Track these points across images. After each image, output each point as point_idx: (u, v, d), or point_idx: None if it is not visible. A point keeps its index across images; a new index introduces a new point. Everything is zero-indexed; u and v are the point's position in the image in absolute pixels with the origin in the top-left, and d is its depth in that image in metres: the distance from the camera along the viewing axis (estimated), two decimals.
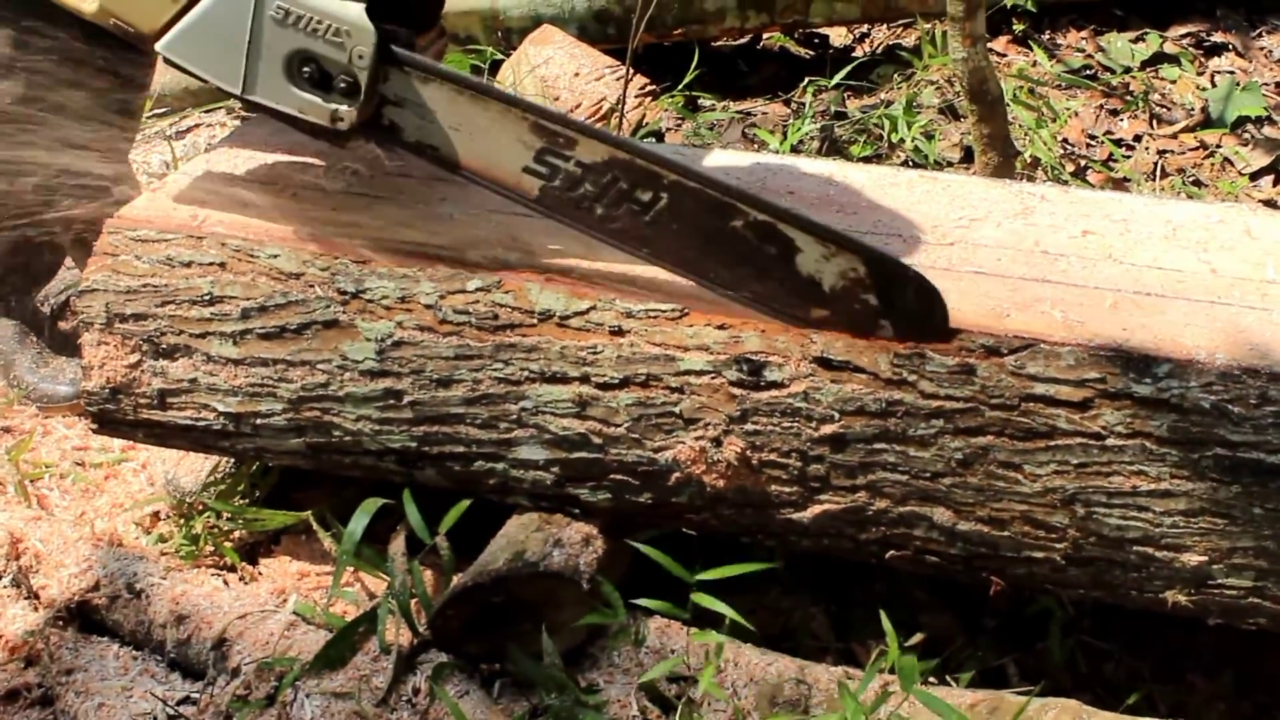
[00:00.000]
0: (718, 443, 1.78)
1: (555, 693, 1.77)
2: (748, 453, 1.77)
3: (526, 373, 1.82)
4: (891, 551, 1.80)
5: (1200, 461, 1.64)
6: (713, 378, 1.76)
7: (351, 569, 2.02)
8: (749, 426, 1.76)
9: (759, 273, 1.74)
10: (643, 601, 1.82)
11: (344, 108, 1.78)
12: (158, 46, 1.79)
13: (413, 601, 1.88)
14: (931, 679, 1.86)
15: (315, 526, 2.15)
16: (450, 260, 1.86)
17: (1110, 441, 1.66)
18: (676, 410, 1.78)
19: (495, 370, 1.83)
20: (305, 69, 1.77)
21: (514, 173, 1.80)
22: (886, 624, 1.81)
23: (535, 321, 1.82)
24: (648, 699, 1.79)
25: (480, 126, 1.79)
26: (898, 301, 1.70)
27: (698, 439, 1.79)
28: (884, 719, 1.69)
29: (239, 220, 1.94)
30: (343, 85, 1.77)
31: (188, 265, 1.91)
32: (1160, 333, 1.68)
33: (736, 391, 1.76)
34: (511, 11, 3.27)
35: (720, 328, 1.76)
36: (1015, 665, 1.90)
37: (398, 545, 1.91)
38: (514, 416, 1.85)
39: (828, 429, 1.74)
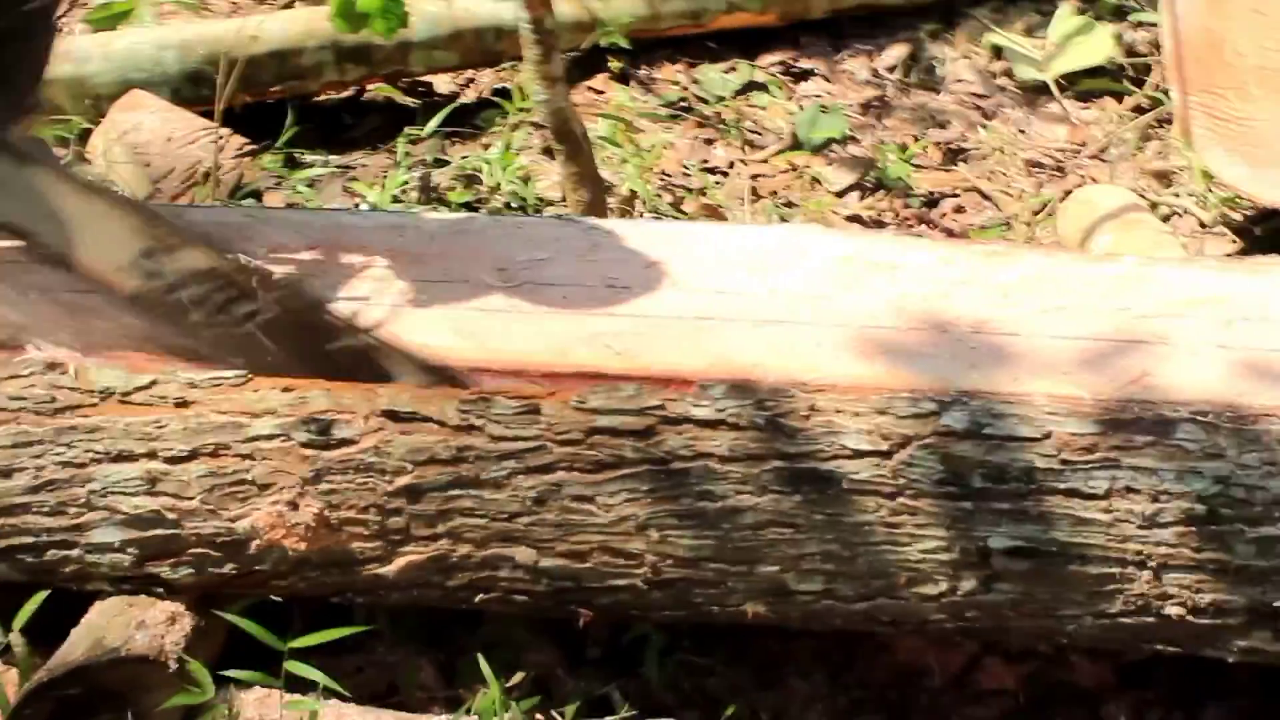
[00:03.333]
0: (294, 506, 1.75)
1: None
2: (326, 512, 1.75)
3: (91, 454, 1.77)
4: (480, 595, 1.81)
5: (761, 475, 1.70)
6: (283, 440, 1.74)
7: None
8: (324, 486, 1.75)
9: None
10: (233, 673, 1.78)
11: None
12: None
13: None
14: (538, 715, 1.87)
15: None
16: None
17: (675, 466, 1.71)
18: (249, 477, 1.75)
19: (58, 455, 1.77)
20: None
21: (113, 268, 1.75)
22: (485, 667, 1.82)
23: (96, 401, 1.76)
24: None
25: (80, 219, 1.74)
26: None
27: (274, 504, 1.76)
28: None
29: None
30: None
31: None
32: (717, 355, 1.74)
33: (308, 452, 1.74)
34: (99, 78, 3.16)
35: (285, 390, 1.74)
36: (619, 692, 1.92)
37: None
38: (83, 500, 1.78)
39: (402, 481, 1.73)
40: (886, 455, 1.68)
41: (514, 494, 1.73)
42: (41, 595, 1.83)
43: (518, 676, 1.84)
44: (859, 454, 1.68)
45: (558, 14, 3.20)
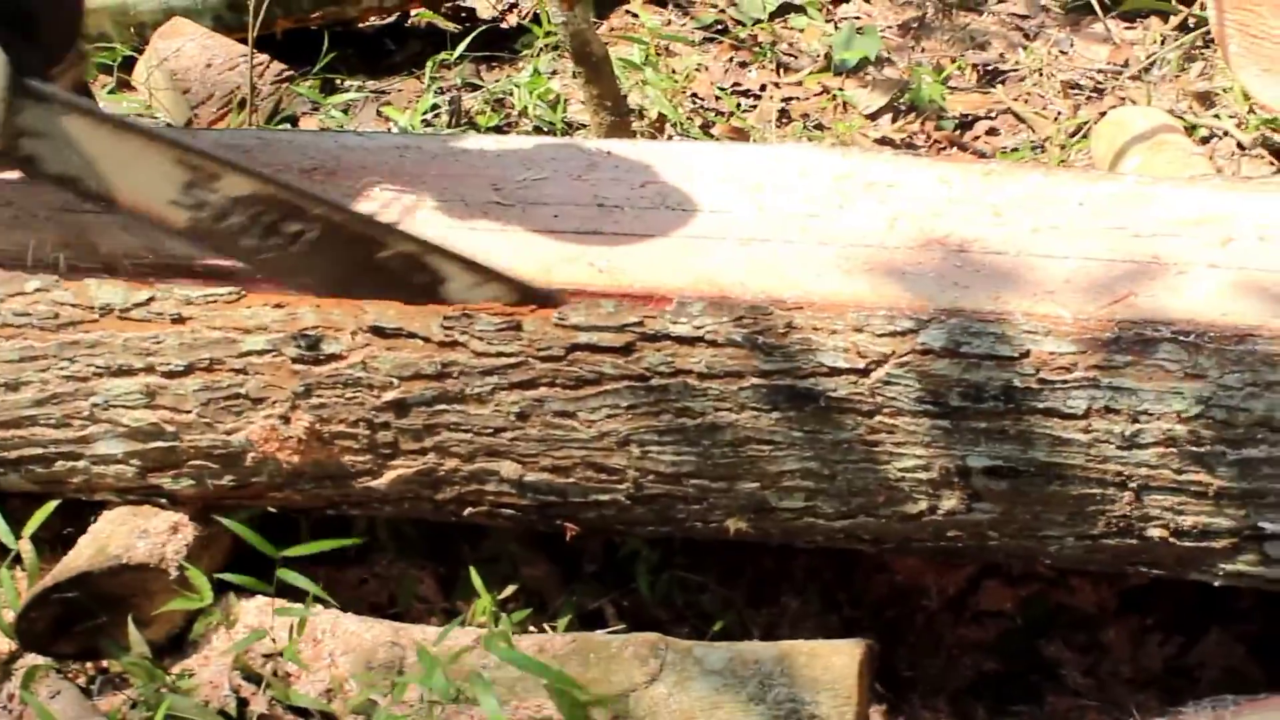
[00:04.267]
0: (286, 419, 1.80)
1: (145, 682, 1.78)
2: (317, 426, 1.79)
3: (93, 368, 1.82)
4: (469, 508, 1.84)
5: (740, 392, 1.71)
6: (274, 356, 1.78)
7: None
8: (314, 400, 1.78)
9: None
10: (228, 577, 1.83)
11: None
12: None
13: (5, 610, 1.87)
14: (532, 627, 1.91)
15: None
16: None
17: (655, 382, 1.72)
18: (243, 391, 1.80)
19: (61, 369, 1.82)
20: None
21: (160, 204, 1.76)
22: (476, 579, 1.86)
23: (97, 317, 1.81)
24: (242, 678, 1.81)
25: (123, 160, 1.75)
26: None
27: (267, 417, 1.80)
28: (470, 668, 1.73)
29: None
30: None
31: None
32: (700, 273, 1.75)
33: (298, 367, 1.78)
34: (142, 6, 3.22)
35: (277, 306, 1.78)
36: (612, 606, 1.96)
37: None
38: (87, 413, 1.84)
39: (389, 395, 1.77)
40: (864, 373, 1.68)
41: (497, 409, 1.75)
42: (51, 505, 1.89)
43: (510, 589, 1.88)
44: (836, 371, 1.69)
45: None
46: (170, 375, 1.80)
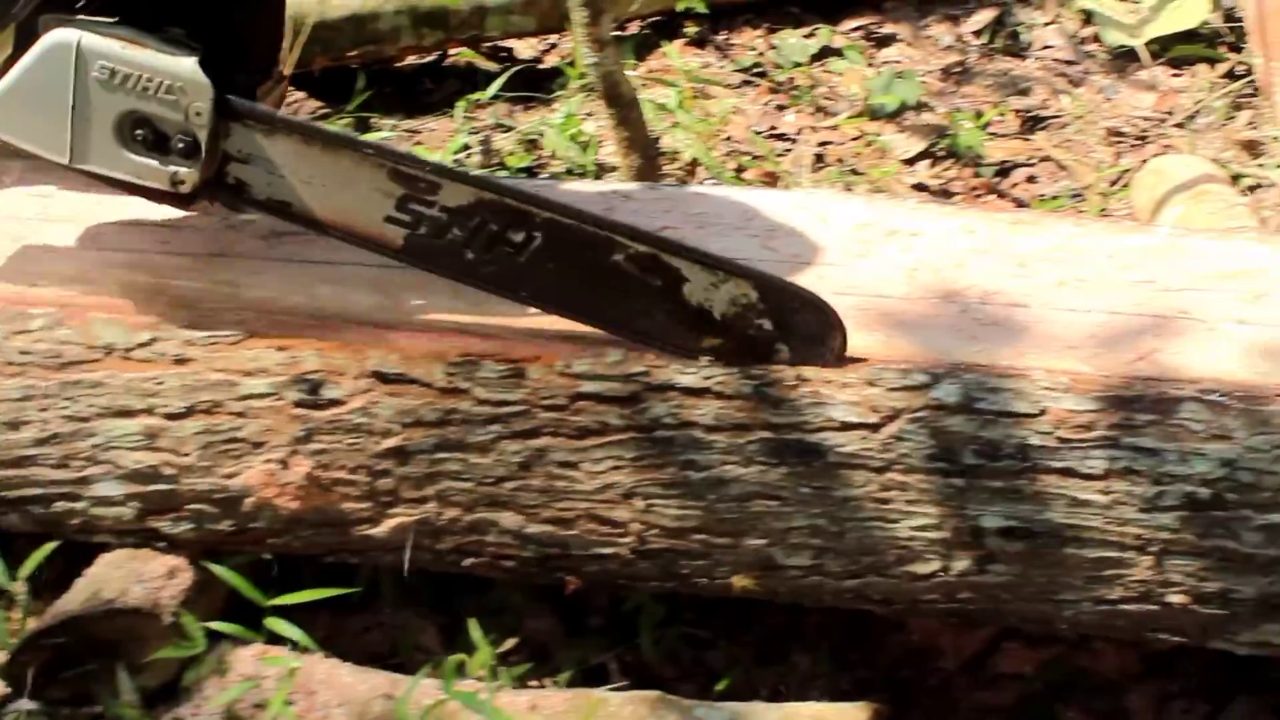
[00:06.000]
0: (285, 464, 1.77)
1: None
2: (316, 472, 1.76)
3: (94, 408, 1.80)
4: (469, 559, 1.80)
5: (747, 446, 1.67)
6: (275, 399, 1.75)
7: None
8: (314, 446, 1.75)
9: (646, 306, 1.67)
10: (216, 626, 1.80)
11: (184, 169, 1.64)
12: None
13: None
14: (533, 681, 1.87)
15: None
16: None
17: (659, 434, 1.68)
18: (243, 435, 1.77)
19: (63, 409, 1.80)
20: (139, 131, 1.62)
21: (376, 224, 1.67)
22: (475, 631, 1.82)
23: (100, 356, 1.79)
24: None
25: (334, 178, 1.66)
26: (792, 324, 1.65)
27: (266, 462, 1.77)
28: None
29: None
30: (181, 145, 1.63)
31: None
32: None
33: (299, 411, 1.75)
34: None
35: (279, 349, 1.75)
36: (616, 662, 1.91)
37: None
38: (86, 454, 1.82)
39: (390, 442, 1.73)
40: (875, 428, 1.63)
41: (499, 458, 1.72)
42: (49, 546, 1.87)
43: (511, 641, 1.84)
44: (847, 426, 1.64)
45: None
46: (171, 417, 1.78)
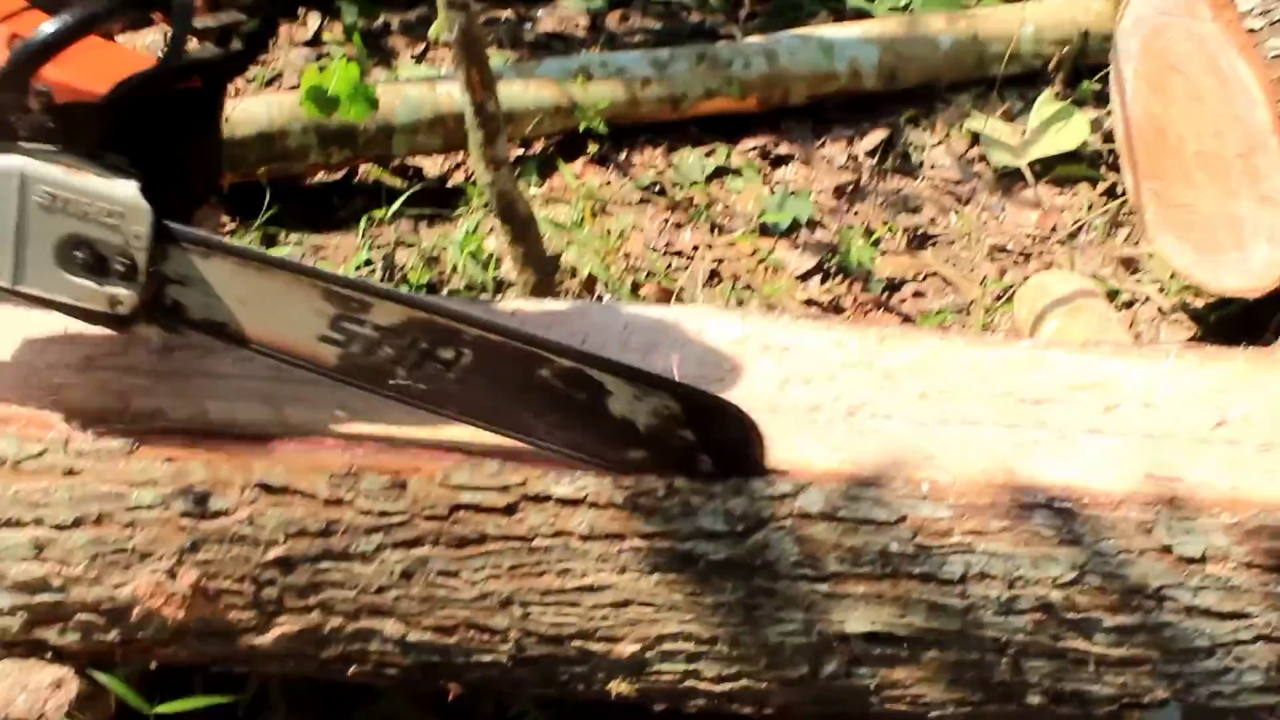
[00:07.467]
0: (172, 574, 1.80)
1: None
2: (203, 581, 1.79)
3: None
4: (354, 666, 1.83)
5: (620, 554, 1.72)
6: (163, 510, 1.79)
7: None
8: (201, 556, 1.79)
9: (571, 420, 1.70)
10: None
11: (123, 291, 1.66)
12: None
13: None
14: None
15: None
16: None
17: (537, 542, 1.73)
18: (130, 545, 1.80)
19: None
20: (78, 254, 1.65)
21: (310, 343, 1.70)
22: None
23: None
24: None
25: (269, 299, 1.69)
26: (714, 435, 1.69)
27: (153, 572, 1.80)
28: None
29: None
30: (119, 268, 1.65)
31: None
32: None
33: (185, 522, 1.78)
34: None
35: (168, 460, 1.79)
36: None
37: None
38: None
39: (274, 552, 1.77)
40: (742, 536, 1.70)
41: (381, 568, 1.76)
42: None
43: None
44: (715, 535, 1.70)
45: (538, 99, 3.31)
46: (59, 528, 1.81)
